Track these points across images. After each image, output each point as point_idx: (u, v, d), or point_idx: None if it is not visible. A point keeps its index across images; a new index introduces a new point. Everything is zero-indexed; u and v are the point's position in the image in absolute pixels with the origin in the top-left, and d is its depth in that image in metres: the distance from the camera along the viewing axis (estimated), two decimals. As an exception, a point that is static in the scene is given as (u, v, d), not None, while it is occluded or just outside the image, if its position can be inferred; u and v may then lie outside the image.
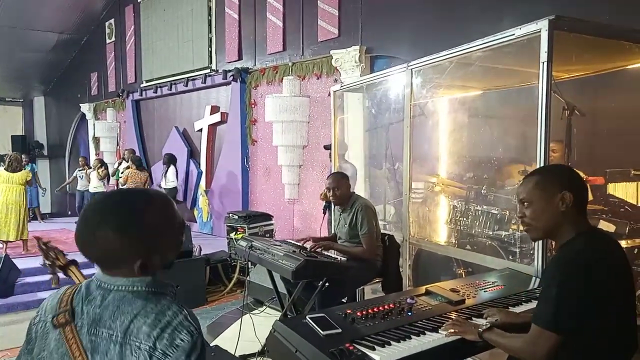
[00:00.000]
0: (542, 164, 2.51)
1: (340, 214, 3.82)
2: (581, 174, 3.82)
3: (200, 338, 1.13)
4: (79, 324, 1.16)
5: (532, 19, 2.57)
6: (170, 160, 8.63)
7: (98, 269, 1.19)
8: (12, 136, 14.53)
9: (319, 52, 6.95)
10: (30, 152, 13.80)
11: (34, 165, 12.20)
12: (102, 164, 9.71)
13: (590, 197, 3.80)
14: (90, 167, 9.97)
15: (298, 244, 3.74)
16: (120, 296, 1.14)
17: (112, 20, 12.03)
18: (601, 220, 3.43)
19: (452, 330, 1.88)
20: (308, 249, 3.56)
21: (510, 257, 3.44)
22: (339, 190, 3.72)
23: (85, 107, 13.05)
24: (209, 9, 9.03)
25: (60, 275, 2.01)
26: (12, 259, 6.06)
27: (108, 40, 12.20)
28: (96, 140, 12.58)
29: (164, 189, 8.51)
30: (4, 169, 7.16)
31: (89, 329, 1.14)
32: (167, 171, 8.56)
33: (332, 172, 3.98)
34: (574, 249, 1.66)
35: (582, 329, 1.56)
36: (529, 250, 3.36)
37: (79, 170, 10.27)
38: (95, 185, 9.65)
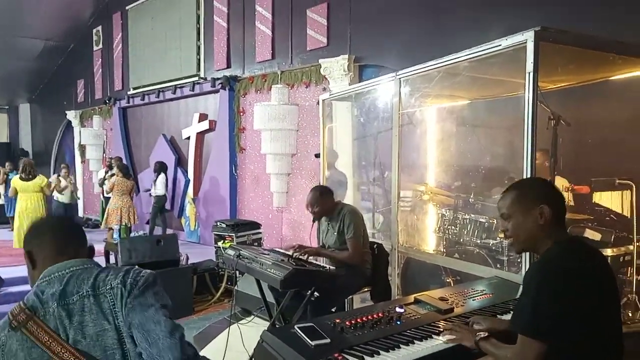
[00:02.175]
0: (529, 173, 2.53)
1: (328, 223, 3.81)
2: (566, 182, 3.90)
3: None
4: (42, 313, 1.31)
5: (518, 30, 2.60)
6: (161, 168, 8.52)
7: (44, 269, 1.41)
8: (-4, 143, 14.38)
9: (307, 61, 6.97)
10: (14, 159, 13.62)
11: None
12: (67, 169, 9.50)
13: (574, 204, 3.85)
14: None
15: (287, 252, 3.71)
16: (77, 272, 1.39)
17: (99, 28, 11.97)
18: (587, 229, 3.46)
19: (451, 337, 1.90)
20: (292, 254, 3.53)
21: (498, 266, 3.46)
22: (317, 207, 3.69)
23: (71, 114, 12.93)
24: (197, 17, 9.03)
25: None
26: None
27: (95, 48, 12.13)
28: (82, 148, 12.44)
29: (153, 196, 8.44)
30: (19, 177, 7.05)
31: (58, 304, 1.31)
32: (156, 179, 8.48)
33: (313, 187, 3.90)
34: (550, 256, 1.69)
35: (563, 335, 1.56)
36: (516, 259, 3.37)
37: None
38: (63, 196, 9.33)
